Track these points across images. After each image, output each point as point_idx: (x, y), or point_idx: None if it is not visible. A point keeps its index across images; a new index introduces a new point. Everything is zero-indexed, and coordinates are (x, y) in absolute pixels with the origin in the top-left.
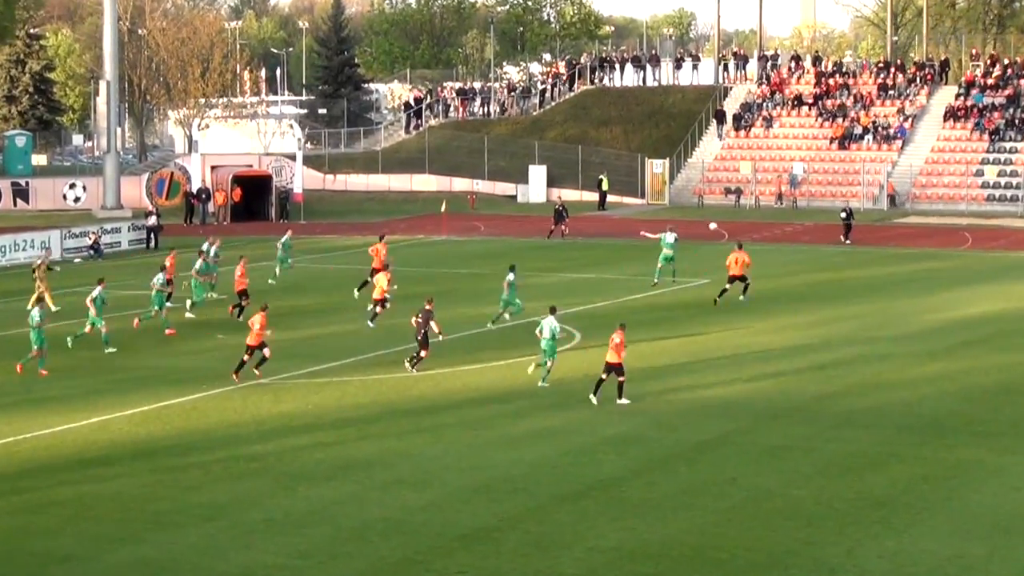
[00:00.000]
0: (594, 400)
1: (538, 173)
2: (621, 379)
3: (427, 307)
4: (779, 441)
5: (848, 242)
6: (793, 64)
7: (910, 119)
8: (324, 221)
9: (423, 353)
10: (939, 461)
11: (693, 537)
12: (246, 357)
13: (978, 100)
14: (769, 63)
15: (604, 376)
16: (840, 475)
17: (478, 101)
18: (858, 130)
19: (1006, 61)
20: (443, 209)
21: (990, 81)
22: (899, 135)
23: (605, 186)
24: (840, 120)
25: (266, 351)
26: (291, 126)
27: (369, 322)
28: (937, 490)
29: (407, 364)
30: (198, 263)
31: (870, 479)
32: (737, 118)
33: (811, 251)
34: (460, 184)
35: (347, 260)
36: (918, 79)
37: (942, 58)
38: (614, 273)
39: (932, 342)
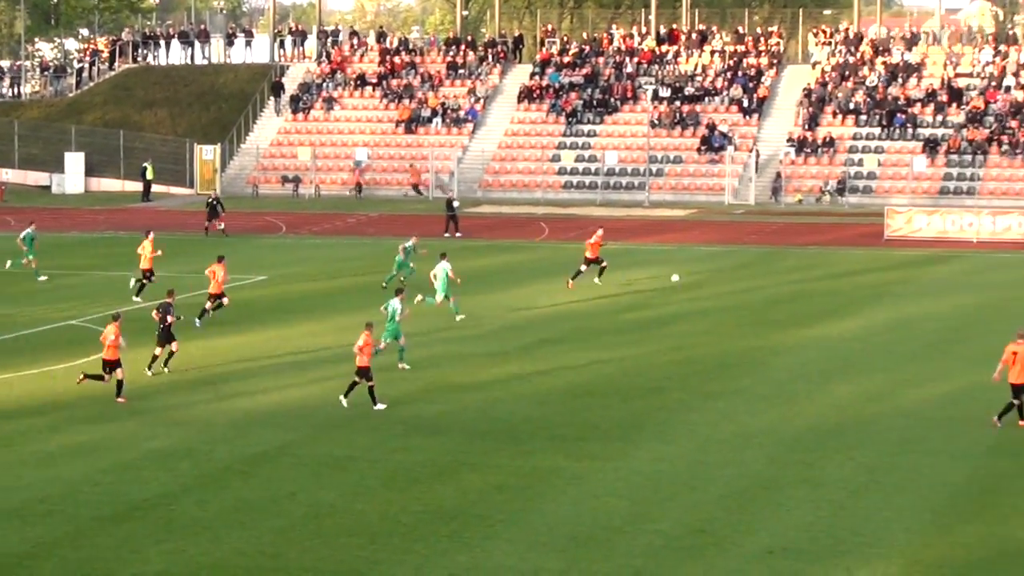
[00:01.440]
0: (344, 402)
1: (75, 161)
2: (371, 384)
3: (167, 300)
4: (342, 452)
5: (459, 235)
6: (355, 41)
7: (482, 100)
8: None
9: (173, 346)
10: (513, 469)
11: (248, 558)
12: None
13: (554, 79)
14: (329, 39)
15: (357, 380)
16: (407, 487)
17: (6, 81)
18: (426, 112)
19: (584, 37)
20: None
21: (567, 59)
22: (470, 117)
23: (150, 175)
24: (407, 102)
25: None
26: None
27: None
28: (512, 500)
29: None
30: None
31: (439, 490)
32: (295, 99)
33: (376, 244)
34: None
35: None
36: (490, 57)
37: (516, 34)
38: (163, 269)
39: (506, 341)
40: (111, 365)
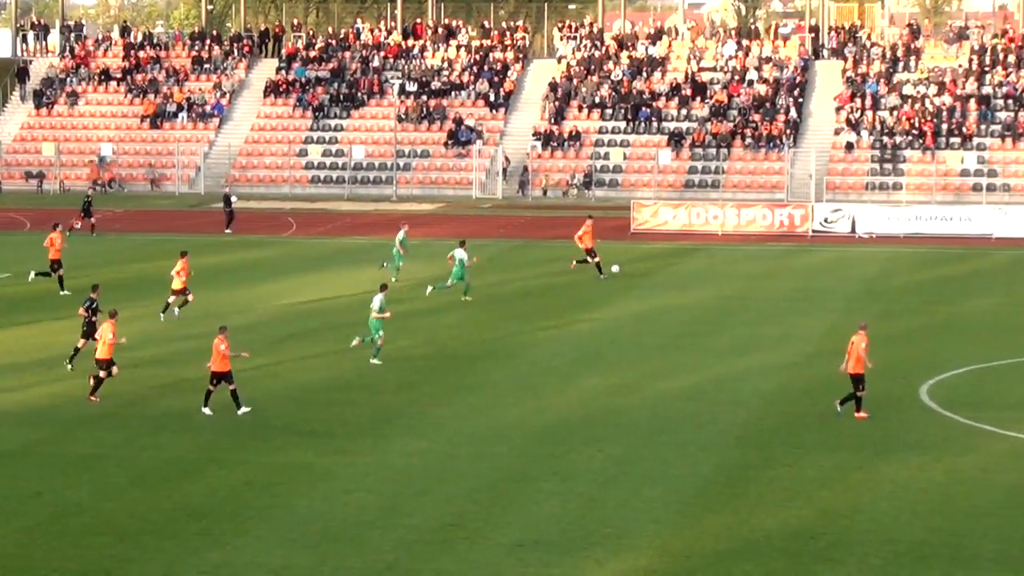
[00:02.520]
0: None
1: None
2: (232, 387)
3: (92, 295)
4: (89, 450)
5: (228, 231)
6: (100, 35)
7: (227, 95)
8: None
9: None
10: (263, 466)
11: None
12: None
13: (300, 74)
14: (73, 34)
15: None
16: (156, 485)
17: None
18: (172, 107)
19: (330, 31)
20: None
21: (313, 54)
22: (216, 112)
23: None
24: (152, 96)
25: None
26: None
27: None
28: (261, 497)
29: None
30: None
31: (189, 488)
32: (38, 94)
33: (121, 240)
34: None
35: None
36: (236, 51)
37: (262, 28)
38: None
39: (255, 337)
40: (105, 363)
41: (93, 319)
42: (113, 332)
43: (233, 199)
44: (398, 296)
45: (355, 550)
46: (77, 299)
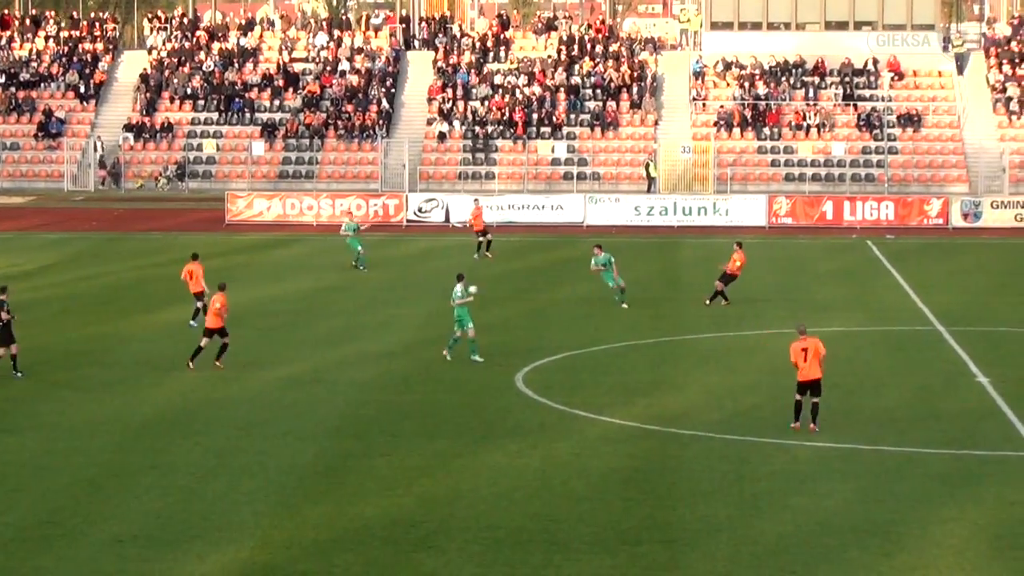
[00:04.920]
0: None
1: None
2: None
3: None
4: None
5: None
6: None
7: None
8: None
9: (13, 349)
10: None
11: None
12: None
13: None
14: None
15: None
16: None
17: None
18: None
19: None
20: None
21: None
22: None
23: None
24: None
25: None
26: None
27: None
28: None
29: None
30: None
31: None
32: None
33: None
34: None
35: None
36: None
37: None
38: None
39: None
40: (216, 331)
41: (6, 322)
42: (222, 303)
43: None
44: None
45: None
46: None
